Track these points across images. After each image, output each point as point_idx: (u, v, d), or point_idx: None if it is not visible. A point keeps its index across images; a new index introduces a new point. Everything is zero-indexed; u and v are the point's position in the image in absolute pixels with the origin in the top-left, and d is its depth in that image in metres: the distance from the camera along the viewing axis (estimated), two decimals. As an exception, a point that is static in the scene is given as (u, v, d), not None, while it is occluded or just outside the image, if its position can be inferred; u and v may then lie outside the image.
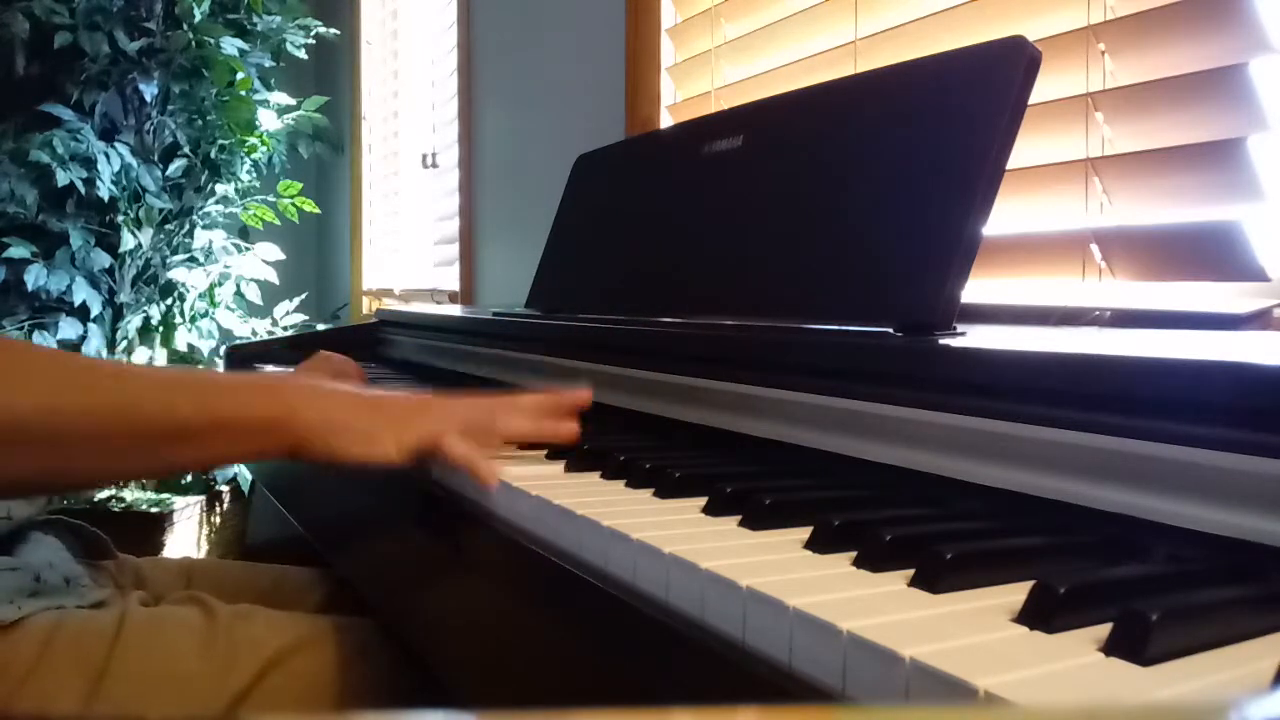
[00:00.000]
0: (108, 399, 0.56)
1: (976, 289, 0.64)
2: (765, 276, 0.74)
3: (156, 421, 0.57)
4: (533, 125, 1.96)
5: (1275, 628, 0.33)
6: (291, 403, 0.59)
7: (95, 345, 2.44)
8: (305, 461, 0.60)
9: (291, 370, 1.02)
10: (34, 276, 2.31)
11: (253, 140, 2.63)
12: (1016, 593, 0.35)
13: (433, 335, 1.28)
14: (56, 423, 0.54)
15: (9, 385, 0.53)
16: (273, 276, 2.74)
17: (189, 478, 2.54)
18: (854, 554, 0.40)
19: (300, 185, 2.79)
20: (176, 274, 2.58)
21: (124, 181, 2.42)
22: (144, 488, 2.52)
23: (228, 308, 2.70)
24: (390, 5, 2.99)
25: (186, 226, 2.60)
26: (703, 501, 0.50)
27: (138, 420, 0.56)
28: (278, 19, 2.69)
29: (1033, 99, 0.62)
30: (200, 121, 2.57)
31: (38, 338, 2.36)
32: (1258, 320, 0.71)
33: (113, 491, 2.46)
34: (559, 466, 0.61)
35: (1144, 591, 0.34)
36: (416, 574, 0.66)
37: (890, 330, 0.60)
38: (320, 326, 2.67)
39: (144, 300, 2.55)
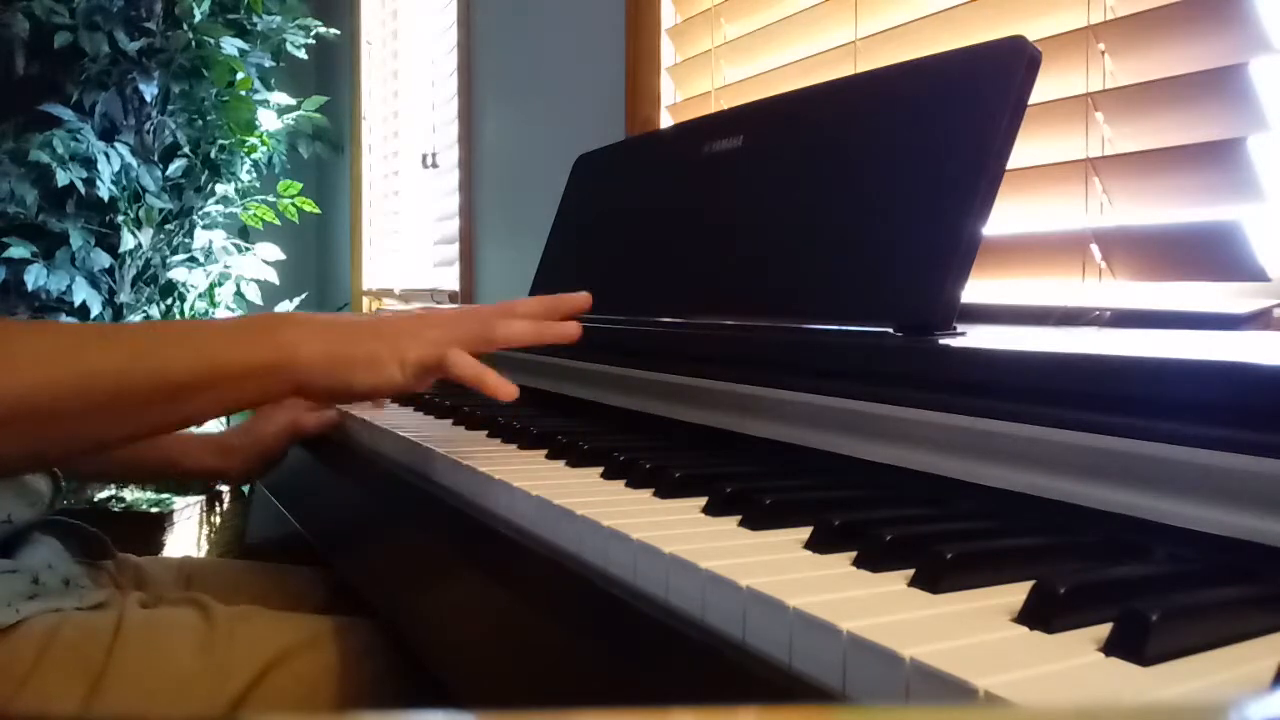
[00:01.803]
0: (105, 365, 0.55)
1: (976, 289, 0.64)
2: (765, 276, 0.74)
3: (157, 381, 0.56)
4: (533, 125, 1.96)
5: (1275, 628, 0.33)
6: (290, 343, 0.59)
7: (95, 345, 2.44)
8: (313, 397, 0.60)
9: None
10: (34, 276, 2.31)
11: (253, 140, 2.63)
12: (1016, 593, 0.35)
13: (433, 335, 1.28)
14: (56, 395, 0.53)
15: (4, 365, 0.52)
16: (273, 276, 2.74)
17: (189, 478, 2.53)
18: (854, 554, 0.40)
19: (300, 185, 2.79)
20: (176, 274, 2.58)
21: (124, 181, 2.42)
22: (144, 488, 2.52)
23: (228, 308, 2.70)
24: (390, 5, 2.99)
25: (186, 226, 2.60)
26: (703, 501, 0.50)
27: (138, 382, 0.56)
28: (278, 19, 2.69)
29: (1033, 99, 0.62)
30: (200, 121, 2.57)
31: (38, 338, 2.36)
32: (1258, 320, 0.71)
33: (113, 491, 2.46)
34: (559, 465, 0.61)
35: (1144, 591, 0.34)
36: (416, 574, 0.66)
37: (890, 330, 0.60)
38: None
39: (144, 300, 2.55)
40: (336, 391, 0.60)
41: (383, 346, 0.60)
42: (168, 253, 2.57)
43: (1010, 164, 0.61)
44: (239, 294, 2.71)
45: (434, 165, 2.55)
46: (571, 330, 0.64)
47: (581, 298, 0.67)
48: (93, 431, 0.57)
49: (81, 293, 2.37)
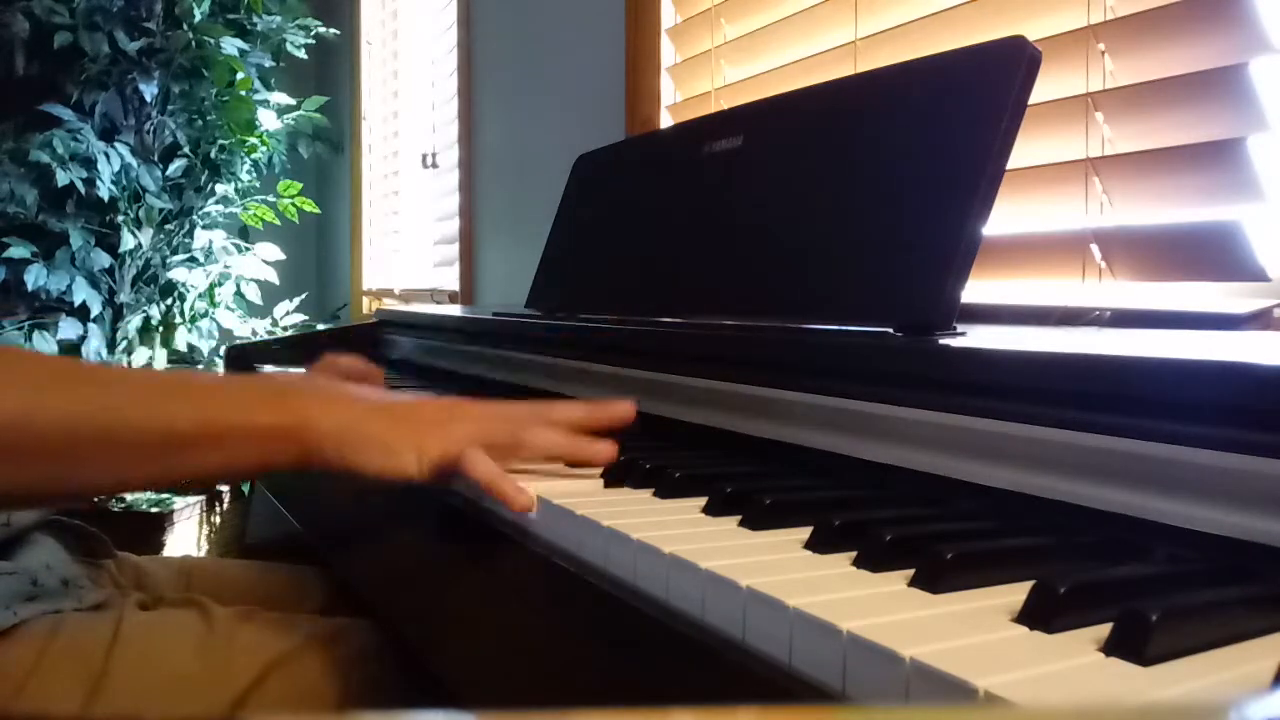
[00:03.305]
0: (91, 407, 0.52)
1: (976, 289, 0.64)
2: (765, 276, 0.74)
3: (148, 430, 0.53)
4: (533, 125, 1.96)
5: (1275, 628, 0.33)
6: (303, 410, 0.55)
7: (95, 345, 2.44)
8: (316, 471, 0.56)
9: (300, 371, 0.97)
10: (34, 276, 2.31)
11: (253, 140, 2.63)
12: (1016, 593, 0.35)
13: (433, 335, 1.28)
14: (33, 432, 0.50)
15: None
16: (273, 276, 2.74)
17: (189, 477, 2.54)
18: (854, 554, 0.40)
19: (300, 185, 2.79)
20: (176, 274, 2.58)
21: (124, 181, 2.42)
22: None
23: (228, 308, 2.70)
24: (390, 5, 2.99)
25: (186, 226, 2.60)
26: (703, 501, 0.50)
27: (127, 429, 0.52)
28: (278, 19, 2.69)
29: (1033, 99, 0.62)
30: (200, 121, 2.57)
31: (37, 338, 2.37)
32: (1258, 320, 0.71)
33: (113, 491, 2.46)
34: (559, 465, 0.61)
35: (1144, 591, 0.34)
36: (416, 574, 0.66)
37: (890, 330, 0.60)
38: (320, 326, 2.67)
39: (144, 300, 2.55)
40: (343, 469, 0.56)
41: (402, 433, 0.56)
42: (168, 253, 2.58)
43: (1010, 164, 0.61)
44: (239, 294, 2.72)
45: (434, 165, 2.55)
46: (608, 453, 0.58)
47: (625, 409, 0.61)
48: (81, 476, 0.53)
49: (81, 293, 2.37)
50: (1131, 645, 0.30)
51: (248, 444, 0.55)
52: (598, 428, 0.60)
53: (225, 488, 2.57)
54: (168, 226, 2.57)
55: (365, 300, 3.06)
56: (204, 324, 2.66)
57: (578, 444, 0.58)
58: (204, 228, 2.63)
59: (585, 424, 0.60)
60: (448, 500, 0.61)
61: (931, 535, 0.41)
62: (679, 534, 0.44)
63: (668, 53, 1.51)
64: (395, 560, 0.71)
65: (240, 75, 2.56)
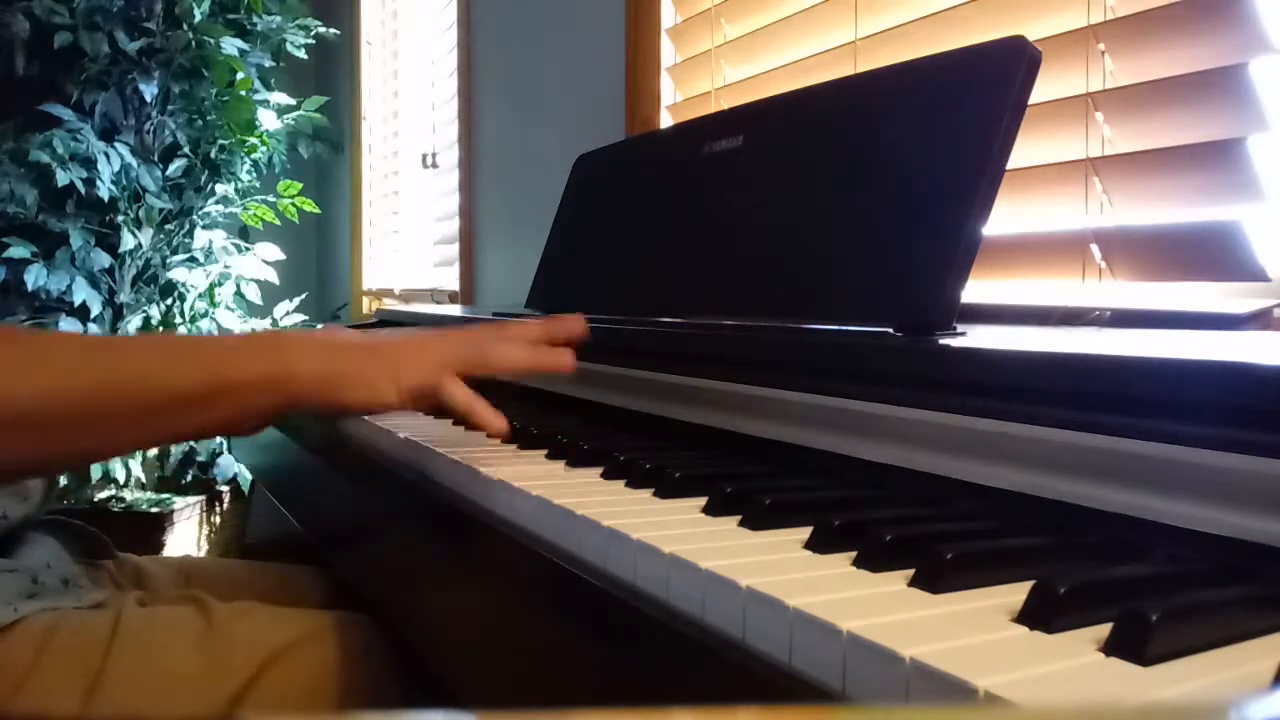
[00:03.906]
0: (110, 378, 0.55)
1: (976, 289, 0.64)
2: (765, 276, 0.74)
3: (160, 394, 0.56)
4: (533, 125, 1.96)
5: (1275, 628, 0.33)
6: (288, 358, 0.59)
7: (95, 345, 2.44)
8: (305, 412, 0.60)
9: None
10: (34, 276, 2.31)
11: (253, 140, 2.63)
12: (1016, 593, 0.35)
13: (433, 335, 1.28)
14: (62, 407, 0.54)
15: (12, 374, 0.52)
16: (273, 276, 2.74)
17: (189, 477, 2.54)
18: (854, 554, 0.40)
19: (300, 185, 2.79)
20: (176, 274, 2.58)
21: (124, 181, 2.42)
22: (143, 487, 2.52)
23: (228, 308, 2.70)
24: (390, 5, 2.99)
25: (186, 226, 2.60)
26: (703, 501, 0.50)
27: (141, 395, 0.56)
28: (278, 19, 2.69)
29: (1033, 99, 0.62)
30: (200, 121, 2.57)
31: (38, 338, 2.36)
32: (1258, 320, 0.71)
33: (112, 491, 2.46)
34: (559, 466, 0.61)
35: (1144, 591, 0.34)
36: (416, 573, 0.66)
37: (890, 330, 0.60)
38: (320, 327, 2.67)
39: (144, 300, 2.55)
40: (329, 408, 0.60)
41: (379, 367, 0.60)
42: (168, 253, 2.57)
43: (1010, 164, 0.61)
44: (239, 294, 2.71)
45: (434, 165, 2.55)
46: (566, 360, 0.64)
47: (577, 324, 0.67)
48: (99, 440, 0.57)
49: (81, 293, 2.37)
50: (1131, 645, 0.30)
51: (244, 396, 0.58)
52: (555, 341, 0.66)
53: (225, 488, 2.57)
54: (168, 226, 2.56)
55: (365, 300, 3.06)
56: (204, 324, 2.66)
57: (539, 354, 0.64)
58: (204, 228, 2.63)
59: (543, 338, 0.65)
60: (448, 500, 0.61)
61: (931, 535, 0.41)
62: (679, 534, 0.44)
63: (668, 53, 1.51)
64: (395, 560, 0.71)
65: (240, 75, 2.56)
